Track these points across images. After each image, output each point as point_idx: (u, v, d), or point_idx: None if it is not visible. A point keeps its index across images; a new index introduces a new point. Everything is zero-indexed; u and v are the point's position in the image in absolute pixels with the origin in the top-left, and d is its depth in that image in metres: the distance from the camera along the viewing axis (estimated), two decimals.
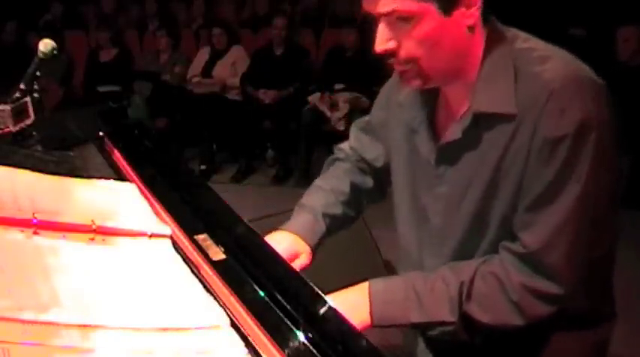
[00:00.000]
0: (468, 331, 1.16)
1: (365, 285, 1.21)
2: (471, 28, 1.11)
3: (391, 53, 1.12)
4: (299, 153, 5.19)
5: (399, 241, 1.39)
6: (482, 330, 1.15)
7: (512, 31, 1.17)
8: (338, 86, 5.27)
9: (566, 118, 1.06)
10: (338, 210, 1.43)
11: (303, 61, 5.62)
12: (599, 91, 1.09)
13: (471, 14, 1.09)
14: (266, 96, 5.31)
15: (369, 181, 1.48)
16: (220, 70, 5.71)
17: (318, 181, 1.49)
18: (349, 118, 5.05)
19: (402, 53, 1.11)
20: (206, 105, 5.36)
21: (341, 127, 5.08)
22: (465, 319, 1.15)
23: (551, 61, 1.10)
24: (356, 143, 1.51)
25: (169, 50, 5.98)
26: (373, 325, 1.18)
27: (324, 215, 1.40)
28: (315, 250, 1.38)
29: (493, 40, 1.14)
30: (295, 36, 5.97)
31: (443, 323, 1.16)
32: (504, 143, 1.12)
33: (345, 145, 1.53)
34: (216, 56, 5.75)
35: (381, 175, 1.47)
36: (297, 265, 1.32)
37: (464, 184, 1.19)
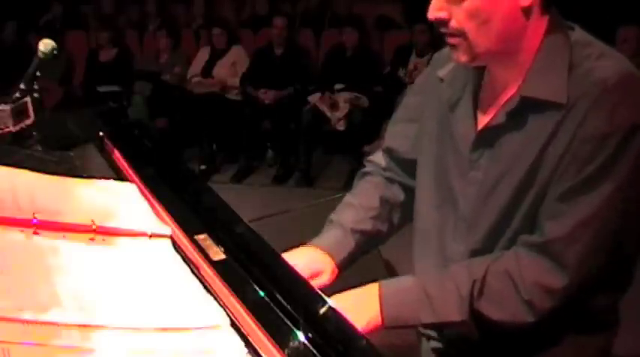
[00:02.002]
0: (480, 329, 1.16)
1: (374, 286, 1.20)
2: (527, 11, 1.10)
3: (442, 22, 1.13)
4: (299, 153, 5.19)
5: (416, 224, 1.36)
6: (493, 327, 1.16)
7: (574, 27, 1.17)
8: (338, 86, 5.28)
9: (617, 115, 1.06)
10: (367, 226, 1.38)
11: (303, 61, 5.62)
12: None
13: None
14: (266, 96, 5.31)
15: (399, 194, 1.42)
16: (220, 70, 5.71)
17: (347, 197, 1.43)
18: (349, 118, 5.07)
19: (453, 24, 1.12)
20: (206, 105, 5.37)
21: (341, 127, 5.09)
22: (477, 316, 1.15)
23: (606, 59, 1.11)
24: (389, 141, 1.45)
25: (169, 50, 5.98)
26: (384, 327, 1.18)
27: (353, 231, 1.36)
28: (342, 267, 1.33)
29: (553, 31, 1.14)
30: (295, 36, 5.97)
31: (452, 323, 1.16)
32: (550, 132, 1.11)
33: (375, 157, 1.48)
34: (216, 56, 5.75)
35: (414, 178, 1.38)
36: (317, 283, 1.26)
37: (500, 170, 1.18)
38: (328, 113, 5.10)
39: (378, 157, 1.47)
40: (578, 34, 1.16)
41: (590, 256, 1.12)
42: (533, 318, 1.13)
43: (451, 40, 1.15)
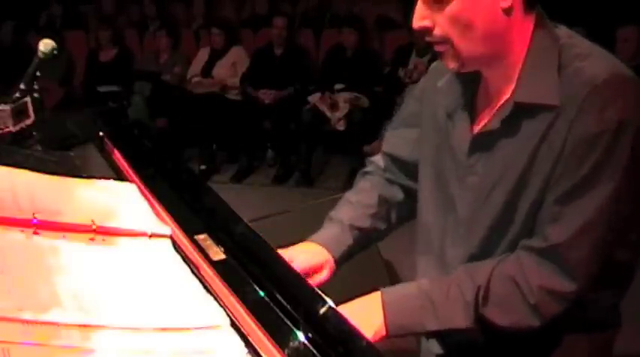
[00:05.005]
0: (486, 333, 1.16)
1: (377, 295, 1.20)
2: (508, 11, 1.10)
3: (427, 31, 1.14)
4: (299, 153, 5.19)
5: (419, 229, 1.38)
6: (498, 332, 1.15)
7: (559, 28, 1.17)
8: (338, 86, 5.28)
9: (606, 115, 1.06)
10: (366, 223, 1.41)
11: (303, 61, 5.62)
12: (639, 91, 1.09)
13: None
14: (266, 96, 5.31)
15: (398, 194, 1.45)
16: (220, 70, 5.71)
17: (347, 195, 1.47)
18: (349, 118, 5.06)
19: (436, 32, 1.13)
20: (206, 105, 5.37)
21: (341, 127, 5.09)
22: (483, 322, 1.15)
23: (593, 58, 1.11)
24: (388, 146, 1.48)
25: (169, 50, 5.98)
26: (389, 336, 1.18)
27: (351, 227, 1.39)
28: (340, 262, 1.36)
29: (540, 32, 1.14)
30: (295, 36, 5.97)
31: (458, 330, 1.16)
32: (541, 134, 1.12)
33: (376, 158, 1.51)
34: (216, 56, 5.75)
35: (414, 179, 1.41)
36: (317, 279, 1.31)
37: (496, 174, 1.18)
38: (328, 113, 5.10)
39: (378, 158, 1.50)
40: (564, 32, 1.16)
41: (594, 258, 1.11)
42: (539, 322, 1.13)
43: (438, 48, 1.16)
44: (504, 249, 1.19)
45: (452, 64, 1.16)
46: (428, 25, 1.13)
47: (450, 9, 1.10)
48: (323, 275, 1.33)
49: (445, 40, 1.13)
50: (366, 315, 1.17)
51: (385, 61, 5.62)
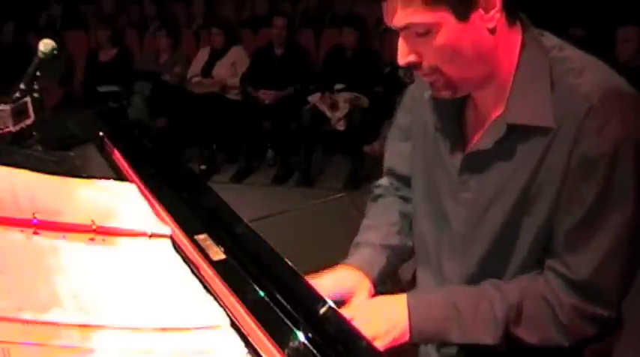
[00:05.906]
0: (511, 347, 1.15)
1: (402, 297, 1.18)
2: (493, 31, 1.07)
3: (415, 65, 1.11)
4: (299, 153, 5.19)
5: (415, 239, 1.37)
6: (526, 348, 1.15)
7: (547, 37, 1.14)
8: (338, 86, 5.27)
9: (605, 136, 1.03)
10: (395, 240, 1.37)
11: (303, 61, 5.62)
12: (637, 105, 1.07)
13: (490, 17, 1.06)
14: (266, 96, 5.31)
15: None
16: (220, 70, 5.71)
17: (366, 221, 1.42)
18: (349, 118, 5.06)
19: (425, 64, 1.10)
20: (206, 105, 5.36)
21: (341, 127, 5.09)
22: (510, 339, 1.14)
23: (587, 73, 1.08)
24: (390, 161, 1.45)
25: (169, 50, 5.98)
26: (411, 341, 1.16)
27: (383, 247, 1.34)
28: (377, 285, 1.30)
29: (528, 46, 1.12)
30: (295, 36, 5.97)
31: (484, 345, 1.15)
32: (538, 156, 1.09)
33: (382, 180, 1.48)
34: (216, 56, 5.75)
35: None
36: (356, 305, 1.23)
37: (491, 193, 1.16)
38: (328, 113, 5.10)
39: (384, 180, 1.47)
40: (553, 43, 1.13)
41: (623, 283, 1.11)
42: (568, 342, 1.13)
43: (428, 79, 1.13)
44: (511, 274, 1.18)
45: (445, 93, 1.14)
46: (415, 61, 1.10)
47: (438, 40, 1.05)
48: (361, 300, 1.24)
49: (435, 71, 1.10)
50: (390, 315, 1.16)
51: (385, 61, 5.61)
